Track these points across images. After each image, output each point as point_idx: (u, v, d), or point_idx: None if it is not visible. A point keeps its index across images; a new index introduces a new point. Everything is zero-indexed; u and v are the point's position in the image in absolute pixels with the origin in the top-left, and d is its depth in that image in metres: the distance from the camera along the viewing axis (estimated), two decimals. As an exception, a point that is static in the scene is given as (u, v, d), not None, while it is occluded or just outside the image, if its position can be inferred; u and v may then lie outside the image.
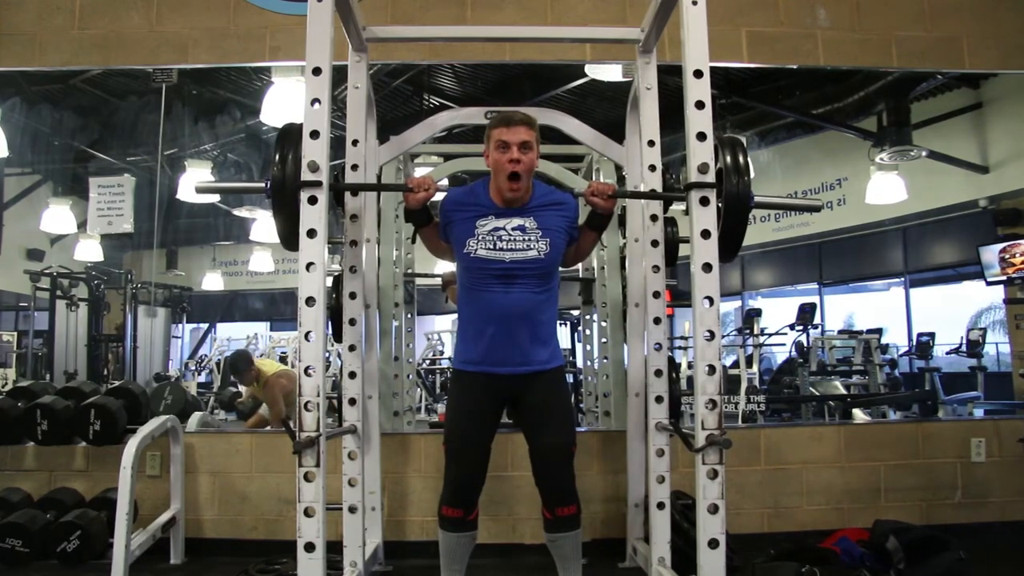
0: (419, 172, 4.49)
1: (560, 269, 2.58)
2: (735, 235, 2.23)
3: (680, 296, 4.54)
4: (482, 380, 2.45)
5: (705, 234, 2.12)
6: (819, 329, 6.56)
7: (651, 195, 2.80)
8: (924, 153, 5.42)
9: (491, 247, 2.41)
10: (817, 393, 5.47)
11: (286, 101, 4.06)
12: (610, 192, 2.48)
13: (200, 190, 2.64)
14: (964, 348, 6.18)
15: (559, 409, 2.48)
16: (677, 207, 3.04)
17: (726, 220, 2.20)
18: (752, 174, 2.26)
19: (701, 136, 2.14)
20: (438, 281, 4.57)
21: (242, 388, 5.34)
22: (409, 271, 4.21)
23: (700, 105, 2.15)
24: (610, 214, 2.56)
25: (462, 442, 2.43)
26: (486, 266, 2.42)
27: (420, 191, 2.43)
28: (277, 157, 2.20)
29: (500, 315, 2.42)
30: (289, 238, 2.20)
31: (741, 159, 2.20)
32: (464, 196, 2.52)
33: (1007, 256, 5.52)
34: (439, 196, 2.55)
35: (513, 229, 2.43)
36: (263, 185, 2.22)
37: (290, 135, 2.20)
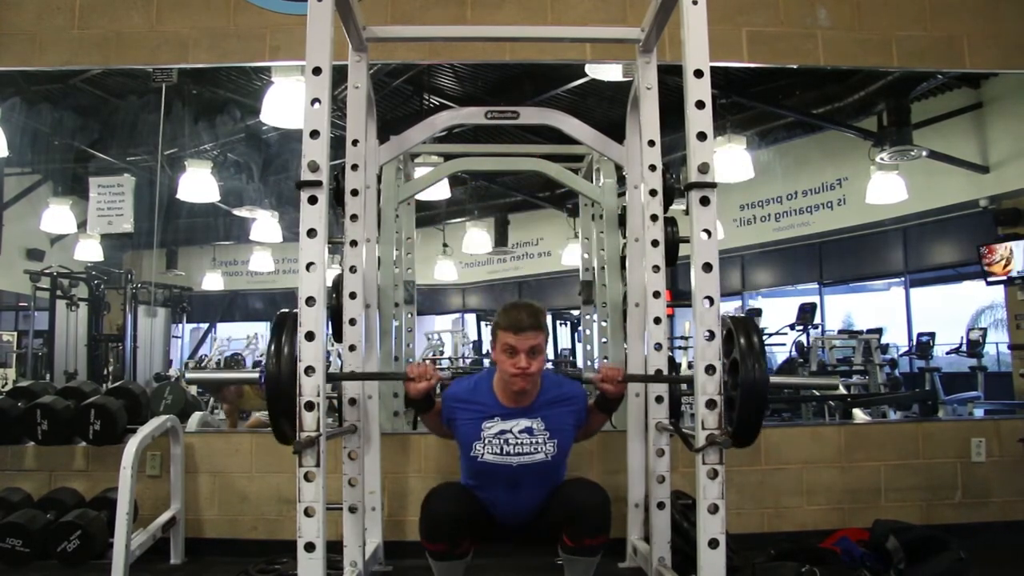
0: (419, 172, 4.46)
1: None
2: (751, 426, 2.10)
3: (680, 296, 4.54)
4: None
5: (705, 234, 2.11)
6: (819, 329, 6.55)
7: (658, 378, 2.75)
8: (924, 153, 5.41)
9: (498, 452, 2.40)
10: (817, 393, 5.46)
11: (286, 101, 4.06)
12: (620, 377, 2.48)
13: (191, 382, 2.61)
14: (964, 348, 6.18)
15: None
16: (677, 207, 3.04)
17: (742, 410, 2.06)
18: (766, 358, 2.13)
19: (701, 136, 2.13)
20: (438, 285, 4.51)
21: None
22: (410, 272, 4.19)
23: (700, 105, 2.14)
24: (621, 397, 2.54)
25: (449, 490, 2.43)
26: (493, 471, 2.42)
27: (421, 381, 2.35)
28: (272, 348, 2.08)
29: (505, 509, 2.46)
30: (285, 434, 2.07)
31: (756, 342, 2.10)
32: (467, 394, 2.49)
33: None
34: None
35: (520, 432, 2.41)
36: (256, 375, 2.13)
37: (285, 325, 2.09)
